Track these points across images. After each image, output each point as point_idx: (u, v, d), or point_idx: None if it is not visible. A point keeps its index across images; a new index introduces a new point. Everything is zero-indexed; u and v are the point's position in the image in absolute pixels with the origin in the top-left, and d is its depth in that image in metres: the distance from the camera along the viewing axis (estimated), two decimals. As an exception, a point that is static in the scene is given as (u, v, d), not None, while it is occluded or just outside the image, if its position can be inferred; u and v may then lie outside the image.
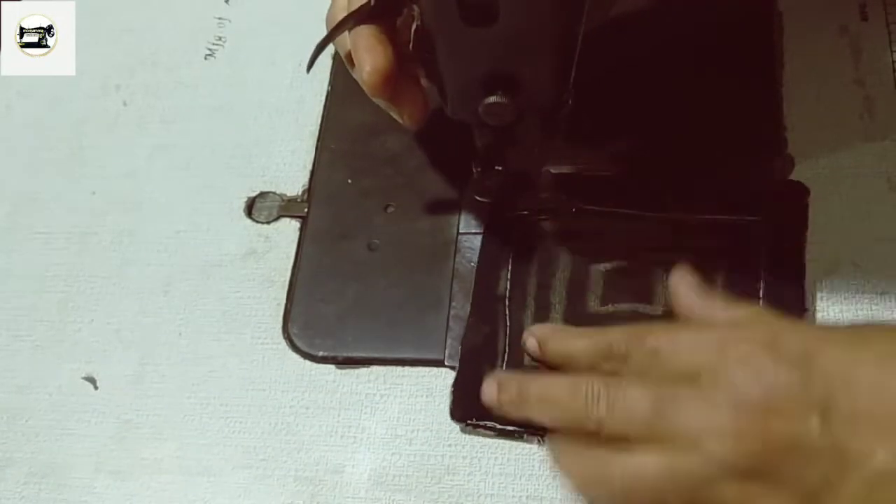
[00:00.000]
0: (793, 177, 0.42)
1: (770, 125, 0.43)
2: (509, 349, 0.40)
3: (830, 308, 0.39)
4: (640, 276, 0.40)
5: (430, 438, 0.39)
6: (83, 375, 0.43)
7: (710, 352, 0.32)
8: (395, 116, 0.39)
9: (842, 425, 0.29)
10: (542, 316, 0.40)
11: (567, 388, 0.34)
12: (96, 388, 0.43)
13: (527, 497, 0.37)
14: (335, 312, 0.42)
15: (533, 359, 0.38)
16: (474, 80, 0.33)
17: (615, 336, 0.35)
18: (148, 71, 0.52)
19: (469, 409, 0.38)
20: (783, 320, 0.33)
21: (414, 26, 0.33)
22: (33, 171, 0.50)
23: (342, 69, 0.49)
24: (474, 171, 0.40)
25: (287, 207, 0.46)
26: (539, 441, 0.38)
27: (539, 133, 0.38)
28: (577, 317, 0.40)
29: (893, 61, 0.44)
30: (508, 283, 0.41)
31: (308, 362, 0.42)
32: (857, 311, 0.39)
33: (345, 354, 0.41)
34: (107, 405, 0.42)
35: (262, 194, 0.47)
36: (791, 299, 0.39)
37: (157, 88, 0.51)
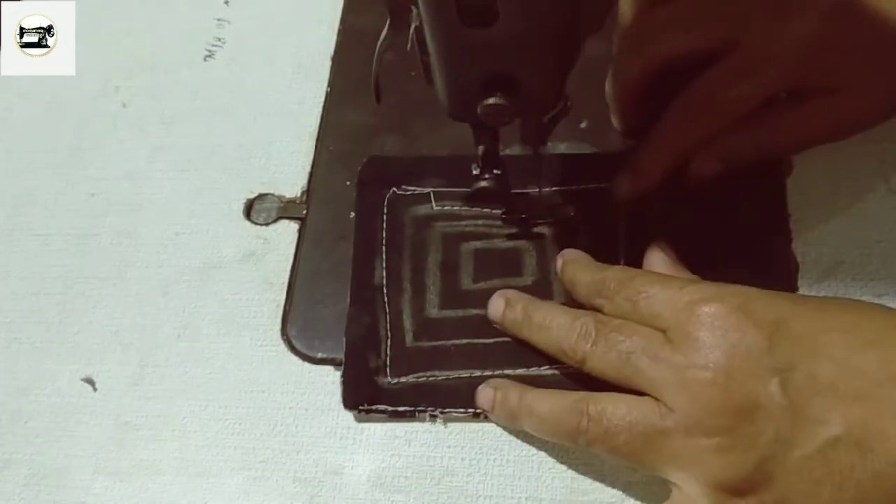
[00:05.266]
0: (792, 178, 0.42)
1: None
2: (391, 335, 0.41)
3: (829, 310, 0.39)
4: (507, 251, 0.42)
5: (429, 440, 0.39)
6: (82, 377, 0.43)
7: (682, 309, 0.33)
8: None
9: (800, 390, 0.30)
10: (418, 299, 0.41)
11: (565, 322, 0.37)
12: (95, 389, 0.43)
13: (526, 498, 0.37)
14: (334, 314, 0.42)
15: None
16: (473, 81, 0.33)
17: (610, 275, 0.37)
18: (147, 72, 0.52)
19: (360, 397, 0.39)
20: (761, 290, 0.33)
21: (413, 27, 0.33)
22: (32, 172, 0.50)
23: (341, 70, 0.49)
24: (473, 171, 0.40)
25: (286, 209, 0.46)
26: (430, 419, 0.39)
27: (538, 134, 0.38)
28: (452, 295, 0.41)
29: (892, 63, 0.44)
30: (384, 271, 0.42)
31: (307, 364, 0.42)
32: (856, 312, 0.39)
33: (344, 356, 0.41)
34: (106, 407, 0.42)
35: (261, 196, 0.47)
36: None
37: (157, 90, 0.51)
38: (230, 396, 0.41)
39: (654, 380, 0.33)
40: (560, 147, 0.44)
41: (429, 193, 0.44)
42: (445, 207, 0.43)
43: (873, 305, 0.33)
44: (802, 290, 0.39)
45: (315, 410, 0.40)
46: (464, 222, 0.43)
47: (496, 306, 0.39)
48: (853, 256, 0.40)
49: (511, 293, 0.40)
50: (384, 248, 0.43)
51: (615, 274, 0.37)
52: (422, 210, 0.43)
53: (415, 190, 0.44)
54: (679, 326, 0.33)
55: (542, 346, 0.38)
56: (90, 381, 0.43)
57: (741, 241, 0.40)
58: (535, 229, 0.42)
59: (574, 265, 0.39)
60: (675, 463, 0.32)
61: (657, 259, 0.38)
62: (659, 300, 0.34)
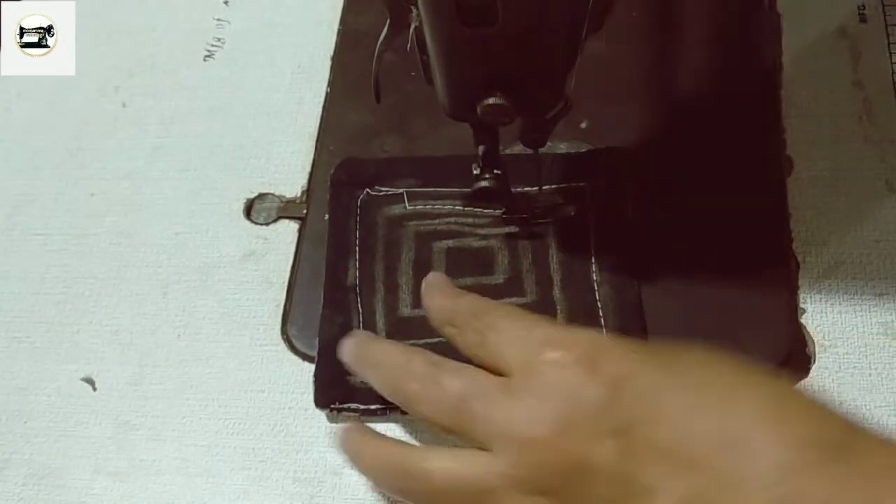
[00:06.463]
0: (792, 178, 0.42)
1: (768, 127, 0.43)
2: None
3: (829, 310, 0.39)
4: (480, 250, 0.42)
5: (429, 440, 0.39)
6: (82, 377, 0.43)
7: (528, 351, 0.31)
8: None
9: (636, 455, 0.28)
10: (391, 298, 0.41)
11: (399, 360, 0.35)
12: (95, 389, 0.43)
13: (525, 499, 0.37)
14: (334, 314, 0.42)
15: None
16: (473, 81, 0.33)
17: (463, 303, 0.35)
18: (147, 72, 0.52)
19: (332, 396, 0.39)
20: (612, 339, 0.32)
21: (413, 27, 0.33)
22: (32, 172, 0.50)
23: (341, 70, 0.49)
24: (474, 172, 0.40)
25: (286, 209, 0.46)
26: (402, 415, 0.38)
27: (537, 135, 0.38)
28: None
29: (892, 63, 0.44)
30: (357, 271, 0.42)
31: (307, 363, 0.42)
32: (856, 312, 0.39)
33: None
34: (105, 406, 0.42)
35: (261, 196, 0.47)
36: (622, 261, 0.41)
37: (157, 90, 0.51)
38: (230, 396, 0.41)
39: (487, 432, 0.31)
40: (560, 147, 0.44)
41: (402, 194, 0.44)
42: (418, 207, 0.43)
43: (734, 361, 0.30)
44: (802, 290, 0.39)
45: (315, 410, 0.40)
46: (436, 221, 0.43)
47: (345, 347, 0.37)
48: (853, 256, 0.40)
49: (360, 333, 0.38)
50: (357, 248, 0.43)
51: (468, 303, 0.35)
52: (395, 210, 0.44)
53: (388, 190, 0.44)
54: (521, 371, 0.31)
55: (378, 389, 0.36)
56: (90, 381, 0.43)
57: (741, 240, 0.40)
58: (509, 228, 0.42)
59: (430, 288, 0.37)
60: None
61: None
62: (508, 337, 0.32)
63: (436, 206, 0.43)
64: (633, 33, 0.47)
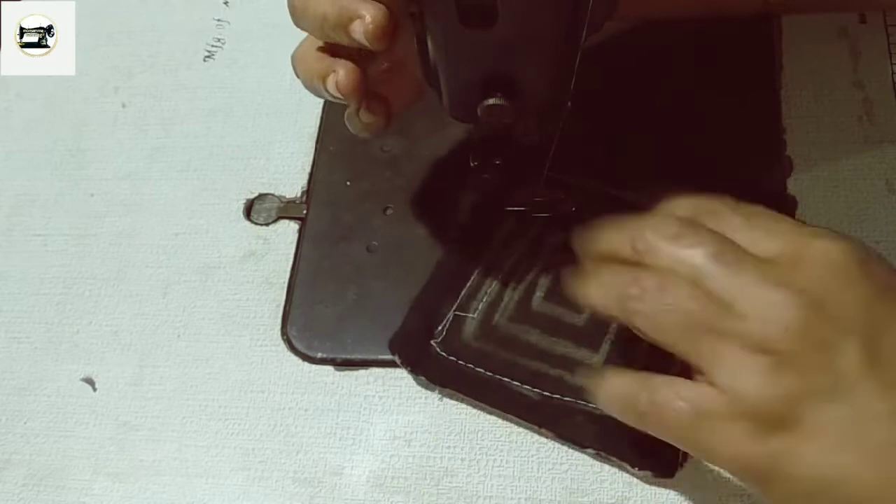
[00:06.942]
0: (791, 179, 0.42)
1: (769, 128, 0.43)
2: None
3: (829, 310, 0.39)
4: (550, 293, 0.41)
5: (429, 440, 0.39)
6: (82, 377, 0.43)
7: (799, 239, 0.30)
8: (356, 121, 0.38)
9: (884, 354, 0.27)
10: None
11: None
12: (95, 389, 0.43)
13: (525, 499, 0.37)
14: (334, 314, 0.42)
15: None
16: (473, 81, 0.33)
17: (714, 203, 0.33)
18: (147, 72, 0.52)
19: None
20: (880, 255, 0.30)
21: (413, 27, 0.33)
22: (32, 173, 0.50)
23: (341, 71, 0.49)
24: (471, 164, 0.40)
25: (286, 209, 0.46)
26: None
27: (538, 134, 0.38)
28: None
29: (892, 63, 0.44)
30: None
31: (307, 364, 0.42)
32: (855, 313, 0.39)
33: (343, 356, 0.41)
34: (105, 407, 0.42)
35: (261, 196, 0.47)
36: None
37: (157, 90, 0.51)
38: (230, 396, 0.41)
39: (742, 284, 0.29)
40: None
41: (454, 316, 0.41)
42: (479, 305, 0.41)
43: None
44: (802, 291, 0.39)
45: (315, 410, 0.40)
46: (506, 299, 0.41)
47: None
48: (853, 257, 0.40)
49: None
50: (485, 378, 0.40)
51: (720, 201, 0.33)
52: (470, 329, 0.41)
53: (445, 326, 0.41)
54: (790, 252, 0.29)
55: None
56: (90, 381, 0.43)
57: None
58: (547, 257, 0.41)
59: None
60: (719, 361, 0.29)
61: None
62: (774, 227, 0.31)
63: (490, 290, 0.41)
64: (634, 33, 0.47)
